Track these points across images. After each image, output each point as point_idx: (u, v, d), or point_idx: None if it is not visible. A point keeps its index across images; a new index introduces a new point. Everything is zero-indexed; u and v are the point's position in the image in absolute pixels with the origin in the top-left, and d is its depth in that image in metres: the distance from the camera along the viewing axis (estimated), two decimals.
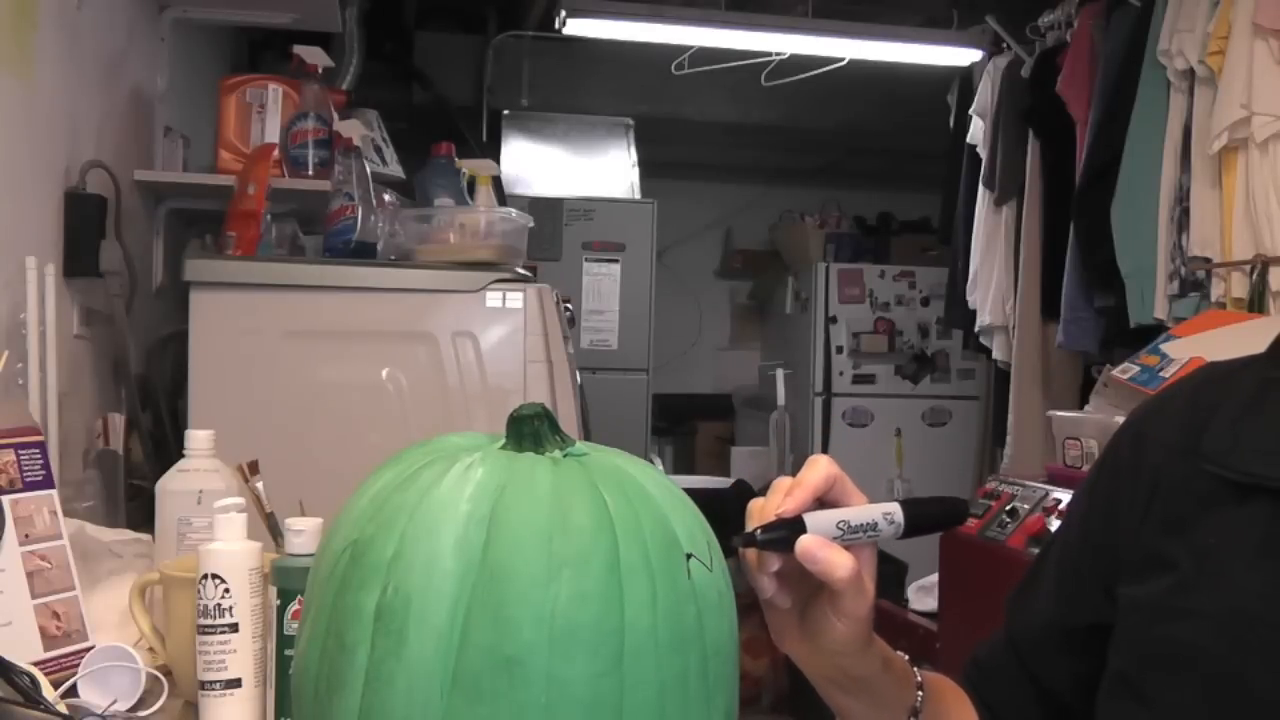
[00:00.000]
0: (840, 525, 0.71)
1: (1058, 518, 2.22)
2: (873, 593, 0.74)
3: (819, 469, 0.73)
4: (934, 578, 2.74)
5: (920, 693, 0.83)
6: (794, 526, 0.70)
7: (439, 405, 1.90)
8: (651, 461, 1.20)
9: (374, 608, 0.62)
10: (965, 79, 4.02)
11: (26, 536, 1.12)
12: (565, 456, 0.69)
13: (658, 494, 0.68)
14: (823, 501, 0.74)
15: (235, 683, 0.99)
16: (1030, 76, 3.55)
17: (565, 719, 0.60)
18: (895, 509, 0.74)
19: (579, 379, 2.18)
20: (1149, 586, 0.79)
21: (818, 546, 0.70)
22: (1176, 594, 0.77)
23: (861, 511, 0.73)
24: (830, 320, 5.06)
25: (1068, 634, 0.87)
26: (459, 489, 0.64)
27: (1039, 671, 0.88)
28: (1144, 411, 0.88)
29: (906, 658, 0.84)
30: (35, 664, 1.04)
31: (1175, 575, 0.78)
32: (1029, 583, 0.92)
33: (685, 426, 5.64)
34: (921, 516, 0.75)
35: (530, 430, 0.70)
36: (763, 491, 0.77)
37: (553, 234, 4.41)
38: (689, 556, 0.64)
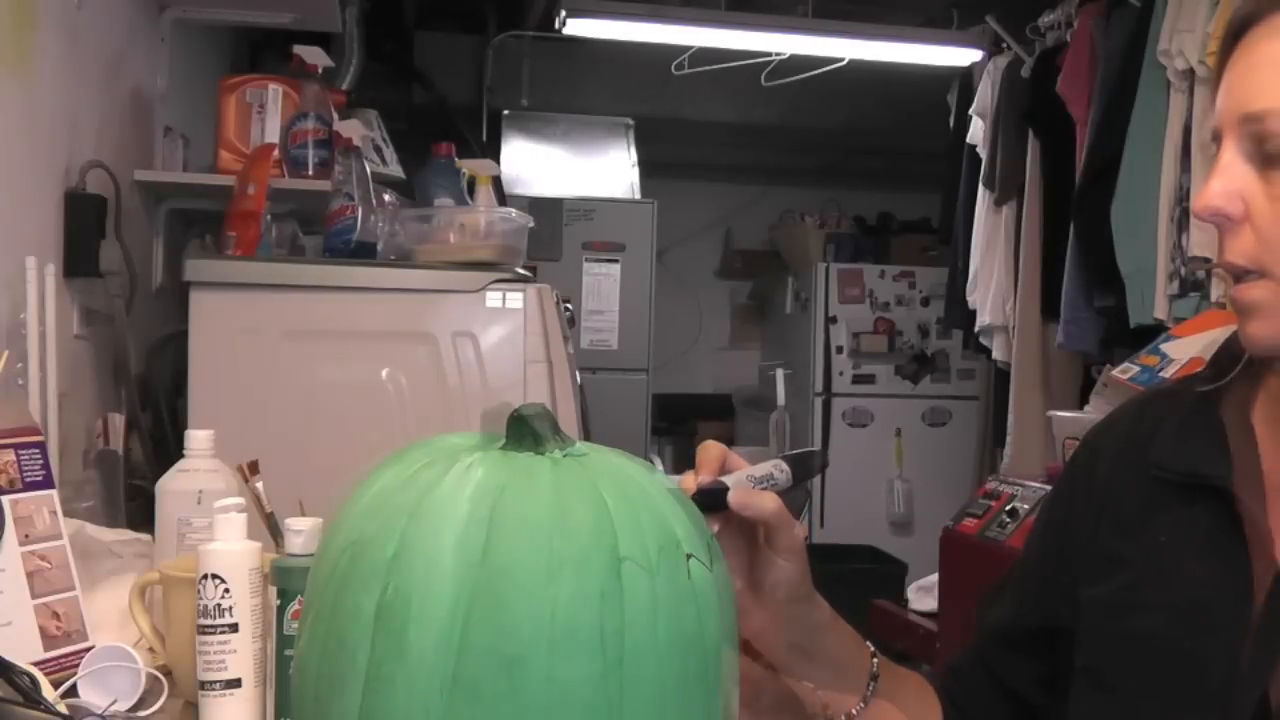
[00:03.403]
0: (749, 479, 0.82)
1: None
2: (799, 527, 0.86)
3: (712, 449, 0.82)
4: (934, 578, 2.74)
5: (875, 659, 0.89)
6: (718, 488, 0.79)
7: (439, 405, 1.89)
8: (651, 461, 1.20)
9: (374, 608, 0.62)
10: (965, 79, 4.02)
11: (26, 536, 1.12)
12: (565, 456, 0.69)
13: (658, 494, 0.68)
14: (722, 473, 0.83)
15: (235, 683, 0.99)
16: (1030, 76, 3.56)
17: (565, 719, 0.60)
18: (780, 462, 0.86)
19: (579, 379, 2.18)
20: (1106, 585, 0.87)
21: (744, 494, 0.79)
22: (1132, 589, 0.85)
23: (759, 468, 0.84)
24: (830, 320, 5.07)
25: (1024, 635, 0.94)
26: (459, 489, 0.64)
27: (1001, 672, 0.95)
28: (1096, 429, 0.97)
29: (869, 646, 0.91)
30: (35, 664, 1.04)
31: (1130, 573, 0.86)
32: (996, 591, 0.99)
33: (685, 426, 5.63)
34: (799, 467, 0.87)
35: (530, 430, 0.69)
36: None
37: (553, 234, 4.42)
38: (689, 557, 0.65)
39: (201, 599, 0.99)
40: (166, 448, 2.01)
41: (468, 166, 2.33)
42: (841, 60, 4.01)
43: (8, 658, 0.95)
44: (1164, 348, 2.32)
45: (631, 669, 0.61)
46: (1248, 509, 0.80)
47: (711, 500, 0.78)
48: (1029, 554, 0.97)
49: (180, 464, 1.30)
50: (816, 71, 4.11)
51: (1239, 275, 0.77)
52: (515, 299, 1.93)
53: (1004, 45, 3.75)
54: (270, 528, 1.22)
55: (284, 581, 0.98)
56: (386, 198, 2.24)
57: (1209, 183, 0.77)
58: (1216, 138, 0.80)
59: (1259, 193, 0.76)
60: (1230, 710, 0.77)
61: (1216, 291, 2.67)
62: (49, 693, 0.98)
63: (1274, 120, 0.75)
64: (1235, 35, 0.79)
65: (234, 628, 0.99)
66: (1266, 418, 0.85)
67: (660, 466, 3.62)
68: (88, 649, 1.10)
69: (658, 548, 0.64)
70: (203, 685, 0.99)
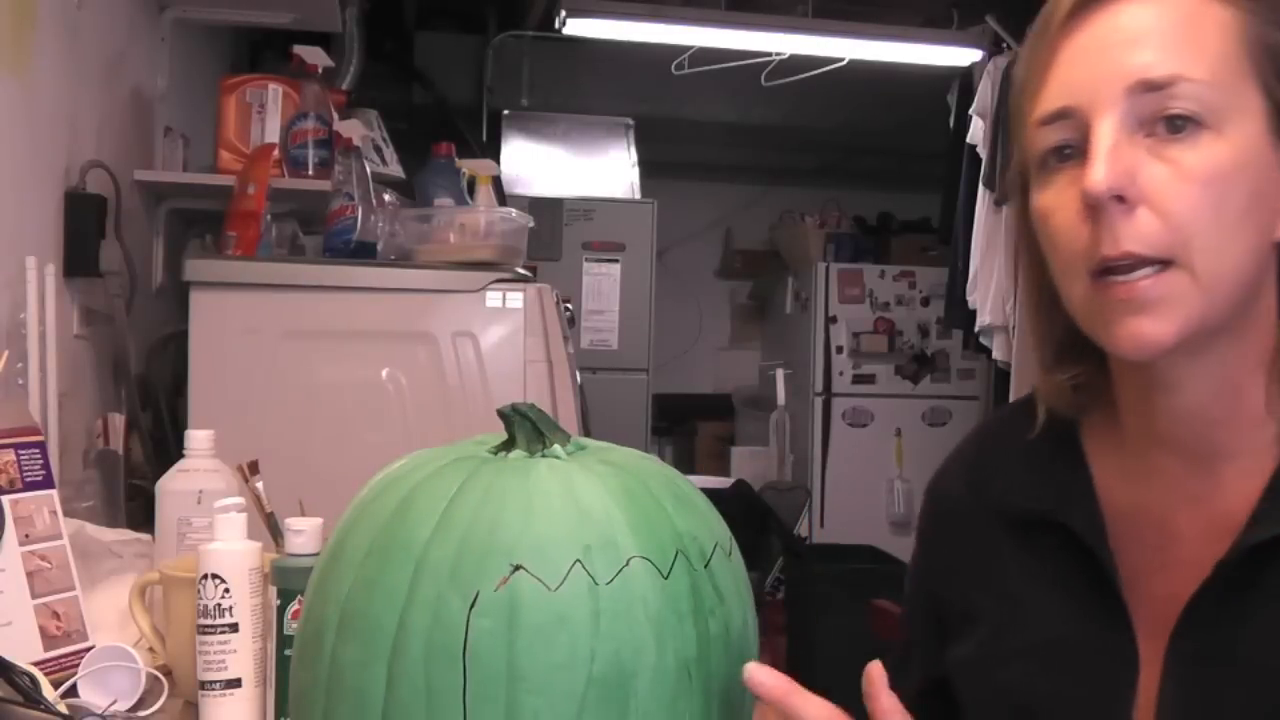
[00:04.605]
0: None
1: None
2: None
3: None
4: None
5: None
6: None
7: (439, 405, 1.89)
8: None
9: (339, 613, 0.63)
10: (965, 79, 4.02)
11: (26, 536, 1.12)
12: (544, 456, 0.69)
13: (611, 495, 0.66)
14: None
15: (235, 683, 0.99)
16: None
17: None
18: None
19: (579, 379, 2.18)
20: (968, 642, 0.84)
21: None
22: (992, 641, 0.82)
23: None
24: (830, 320, 5.06)
25: (921, 691, 0.89)
26: (435, 492, 0.65)
27: None
28: (936, 478, 0.93)
29: None
30: (35, 664, 1.04)
31: (987, 624, 0.83)
32: (896, 654, 0.95)
33: (685, 426, 5.63)
34: None
35: (521, 431, 0.70)
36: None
37: (553, 234, 4.41)
38: (516, 568, 0.61)
39: (202, 599, 0.99)
40: (166, 448, 2.01)
41: (468, 166, 2.33)
42: (841, 60, 4.01)
43: (8, 658, 0.94)
44: None
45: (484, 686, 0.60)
46: (1087, 539, 0.78)
47: None
48: (907, 623, 0.94)
49: (180, 464, 1.30)
50: (816, 71, 4.11)
51: (1134, 267, 0.70)
52: (515, 299, 1.93)
53: (1004, 45, 3.74)
54: (270, 528, 1.22)
55: (284, 581, 0.97)
56: (386, 198, 2.24)
57: (1095, 165, 0.70)
58: (1061, 118, 0.73)
59: (1161, 173, 0.70)
60: None
61: None
62: (49, 693, 0.98)
63: (1183, 86, 0.70)
64: (1074, 13, 0.74)
65: (234, 628, 0.99)
66: (1099, 440, 0.82)
67: None
68: (88, 649, 1.10)
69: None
70: (203, 685, 1.00)
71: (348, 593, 0.63)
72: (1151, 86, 0.70)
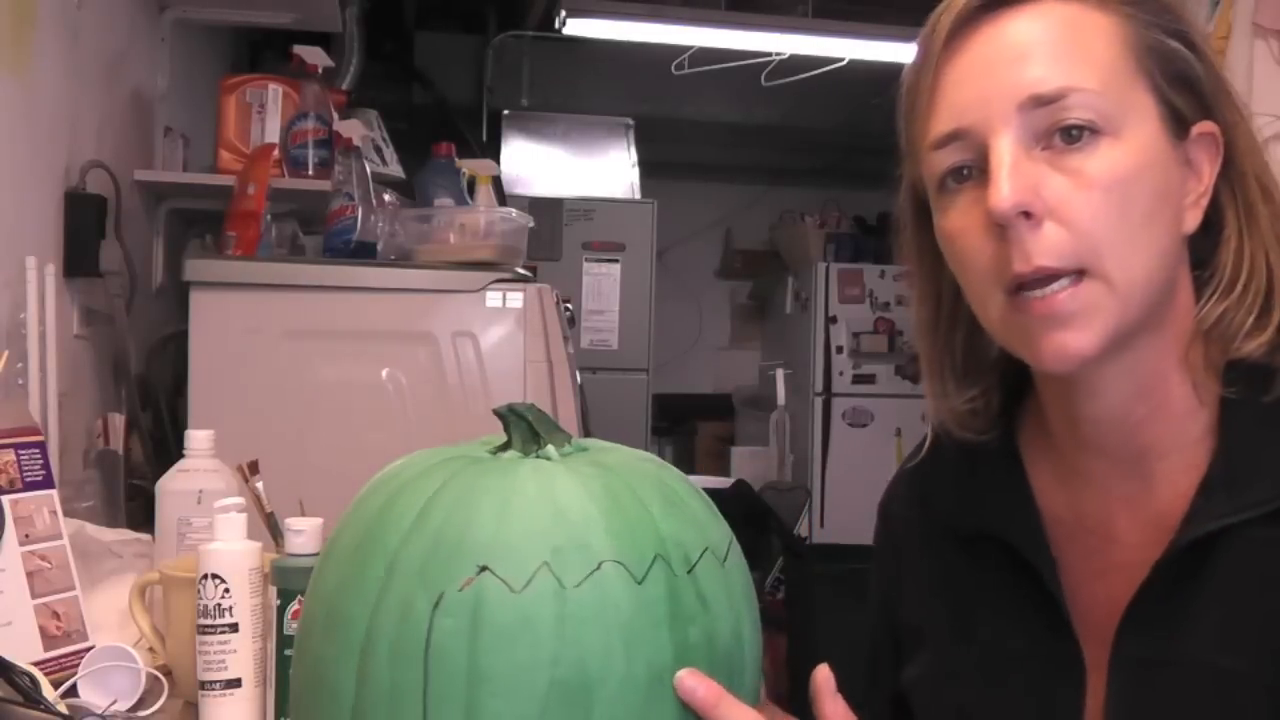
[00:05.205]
0: None
1: None
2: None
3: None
4: None
5: None
6: None
7: (439, 405, 1.89)
8: None
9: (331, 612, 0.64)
10: None
11: (26, 536, 1.12)
12: (536, 457, 0.69)
13: (592, 499, 0.64)
14: None
15: (235, 683, 0.99)
16: None
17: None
18: None
19: (579, 379, 2.18)
20: (919, 662, 0.85)
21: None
22: (942, 657, 0.83)
23: None
24: (830, 320, 5.06)
25: (884, 706, 0.89)
26: (419, 491, 0.65)
27: None
28: (886, 495, 0.94)
29: None
30: (35, 664, 1.04)
31: (938, 640, 0.83)
32: (863, 671, 0.95)
33: (685, 426, 5.63)
34: None
35: (520, 432, 0.70)
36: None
37: (553, 234, 4.41)
38: (482, 569, 0.60)
39: (201, 599, 0.99)
40: (166, 448, 2.01)
41: (468, 166, 2.33)
42: (841, 60, 4.01)
43: (8, 658, 0.94)
44: None
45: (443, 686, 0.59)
46: (1026, 552, 0.78)
47: None
48: (869, 641, 0.94)
49: (180, 464, 1.30)
50: (816, 71, 4.11)
51: (1048, 281, 0.70)
52: (515, 299, 1.93)
53: None
54: (270, 528, 1.22)
55: (284, 581, 0.97)
56: (386, 198, 2.23)
57: (997, 184, 0.69)
58: (954, 140, 0.73)
59: (1063, 184, 0.70)
60: None
61: None
62: (49, 693, 0.98)
63: (1075, 96, 0.70)
64: (955, 33, 0.74)
65: (234, 628, 0.99)
66: (1035, 448, 0.82)
67: None
68: (88, 649, 1.10)
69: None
70: (203, 685, 1.00)
71: (331, 590, 0.63)
72: (1043, 101, 0.70)
